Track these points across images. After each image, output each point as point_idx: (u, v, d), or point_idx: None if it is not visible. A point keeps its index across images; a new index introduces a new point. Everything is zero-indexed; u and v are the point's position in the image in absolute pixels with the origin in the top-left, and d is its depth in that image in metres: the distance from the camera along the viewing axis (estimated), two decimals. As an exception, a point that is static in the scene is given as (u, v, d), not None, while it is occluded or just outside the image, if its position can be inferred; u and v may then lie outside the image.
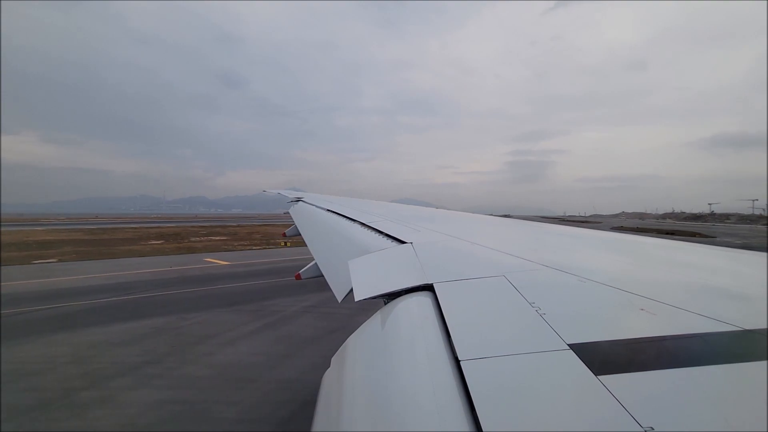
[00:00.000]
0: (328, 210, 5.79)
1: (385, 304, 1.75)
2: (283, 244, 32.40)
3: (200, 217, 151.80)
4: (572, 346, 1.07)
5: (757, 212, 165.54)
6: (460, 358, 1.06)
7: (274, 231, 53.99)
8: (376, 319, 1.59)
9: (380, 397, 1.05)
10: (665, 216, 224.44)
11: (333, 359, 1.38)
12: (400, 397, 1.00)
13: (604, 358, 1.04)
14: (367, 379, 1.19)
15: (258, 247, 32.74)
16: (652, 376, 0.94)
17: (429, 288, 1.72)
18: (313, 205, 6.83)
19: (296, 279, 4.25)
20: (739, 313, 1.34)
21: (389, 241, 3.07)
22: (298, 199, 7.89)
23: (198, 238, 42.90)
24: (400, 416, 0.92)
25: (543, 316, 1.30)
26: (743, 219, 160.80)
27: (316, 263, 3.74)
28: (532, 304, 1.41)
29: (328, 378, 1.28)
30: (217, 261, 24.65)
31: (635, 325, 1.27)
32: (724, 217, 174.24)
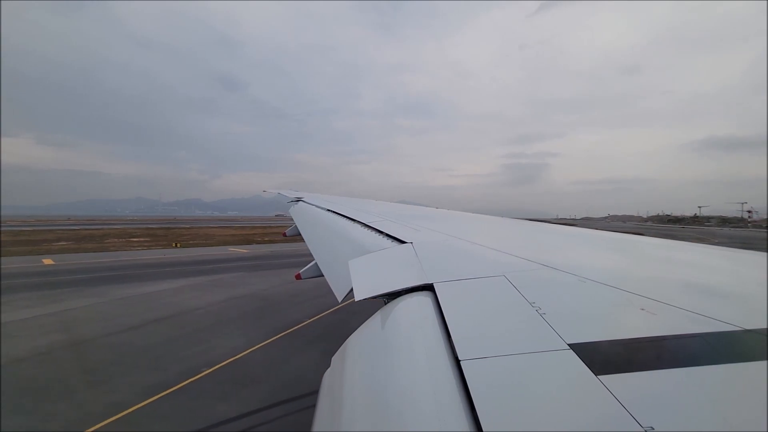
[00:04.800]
0: (328, 210, 5.79)
1: (386, 303, 1.76)
2: (174, 245, 37.28)
3: (180, 219, 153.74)
4: (572, 346, 1.07)
5: (745, 215, 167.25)
6: (460, 358, 1.06)
7: (216, 233, 56.82)
8: (376, 318, 1.59)
9: (380, 396, 1.05)
10: (649, 219, 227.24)
11: (333, 359, 1.38)
12: (400, 396, 1.00)
13: (605, 357, 1.04)
14: (367, 378, 1.19)
15: (153, 248, 35.30)
16: (652, 376, 0.95)
17: (429, 288, 1.72)
18: (313, 205, 6.82)
19: (296, 279, 4.25)
20: (739, 313, 1.34)
21: (389, 240, 3.07)
22: (298, 199, 7.87)
23: (114, 239, 44.40)
24: (400, 416, 0.92)
25: (543, 315, 1.30)
26: (724, 222, 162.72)
27: (316, 263, 3.74)
28: (533, 304, 1.41)
29: (329, 377, 1.28)
30: (50, 261, 26.36)
31: (635, 325, 1.27)
32: (705, 220, 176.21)
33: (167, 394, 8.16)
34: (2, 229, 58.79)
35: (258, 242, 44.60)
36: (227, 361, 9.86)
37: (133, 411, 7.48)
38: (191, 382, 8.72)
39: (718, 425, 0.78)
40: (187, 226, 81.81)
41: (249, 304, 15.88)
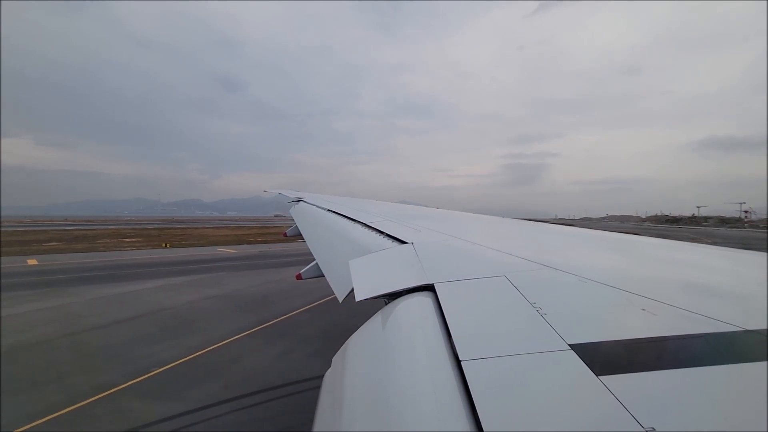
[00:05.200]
0: (328, 210, 5.79)
1: (386, 304, 1.76)
2: (163, 245, 39.38)
3: (179, 219, 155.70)
4: (573, 347, 1.07)
5: (743, 215, 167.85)
6: (461, 358, 1.06)
7: (210, 233, 57.99)
8: (377, 319, 1.59)
9: (381, 397, 1.05)
10: (647, 219, 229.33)
11: (334, 359, 1.38)
12: (401, 397, 1.00)
13: (605, 358, 1.04)
14: (368, 379, 1.19)
15: (143, 248, 36.89)
16: (653, 377, 0.95)
17: (430, 288, 1.73)
18: (313, 205, 6.82)
19: (297, 279, 4.25)
20: (739, 313, 1.34)
21: (390, 241, 3.07)
22: (299, 200, 7.87)
23: (107, 239, 45.25)
24: (401, 416, 0.92)
25: (544, 316, 1.30)
26: (722, 222, 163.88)
27: (317, 263, 3.74)
28: (533, 304, 1.41)
29: (329, 378, 1.28)
30: (34, 262, 27.01)
31: (636, 325, 1.27)
32: (703, 220, 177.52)
33: (109, 394, 8.04)
34: (1, 229, 59.08)
35: (249, 242, 44.74)
36: (180, 361, 9.73)
37: (66, 412, 7.35)
38: (137, 382, 8.62)
39: (718, 425, 0.78)
40: (183, 226, 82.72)
41: (221, 303, 15.88)
